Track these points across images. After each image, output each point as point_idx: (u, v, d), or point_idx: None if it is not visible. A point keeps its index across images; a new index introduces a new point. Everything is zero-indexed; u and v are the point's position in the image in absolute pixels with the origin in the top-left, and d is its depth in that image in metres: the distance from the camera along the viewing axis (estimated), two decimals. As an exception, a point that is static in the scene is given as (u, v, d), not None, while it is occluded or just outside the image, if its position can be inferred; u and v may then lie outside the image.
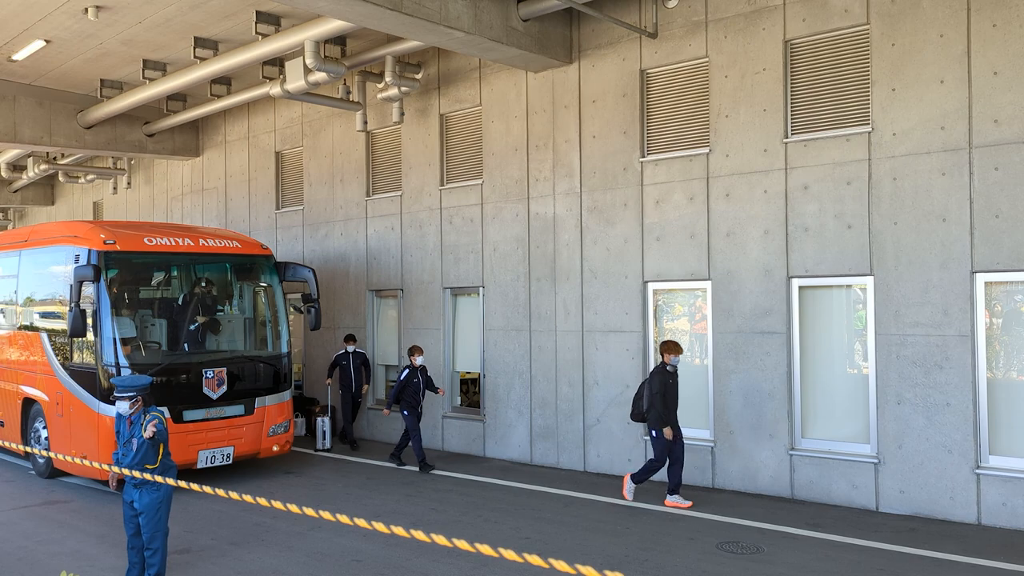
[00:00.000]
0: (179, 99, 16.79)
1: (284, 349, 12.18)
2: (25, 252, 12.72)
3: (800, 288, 9.91)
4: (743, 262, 10.23)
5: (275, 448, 11.77)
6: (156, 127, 17.73)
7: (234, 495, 4.26)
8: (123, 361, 10.49)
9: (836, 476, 9.53)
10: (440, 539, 3.31)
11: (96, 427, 10.44)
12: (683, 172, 10.76)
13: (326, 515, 3.85)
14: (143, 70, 14.29)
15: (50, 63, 14.47)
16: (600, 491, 10.43)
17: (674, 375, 9.71)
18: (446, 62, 13.55)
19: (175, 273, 12.28)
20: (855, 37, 9.54)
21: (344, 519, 3.80)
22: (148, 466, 6.90)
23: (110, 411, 9.82)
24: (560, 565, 2.95)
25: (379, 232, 14.71)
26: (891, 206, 9.17)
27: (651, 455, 10.01)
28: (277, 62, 13.73)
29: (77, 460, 7.80)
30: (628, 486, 9.89)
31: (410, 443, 12.12)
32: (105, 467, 7.18)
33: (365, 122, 14.63)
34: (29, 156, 20.71)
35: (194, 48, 13.06)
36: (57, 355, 11.37)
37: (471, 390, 13.73)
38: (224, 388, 11.17)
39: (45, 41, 13.29)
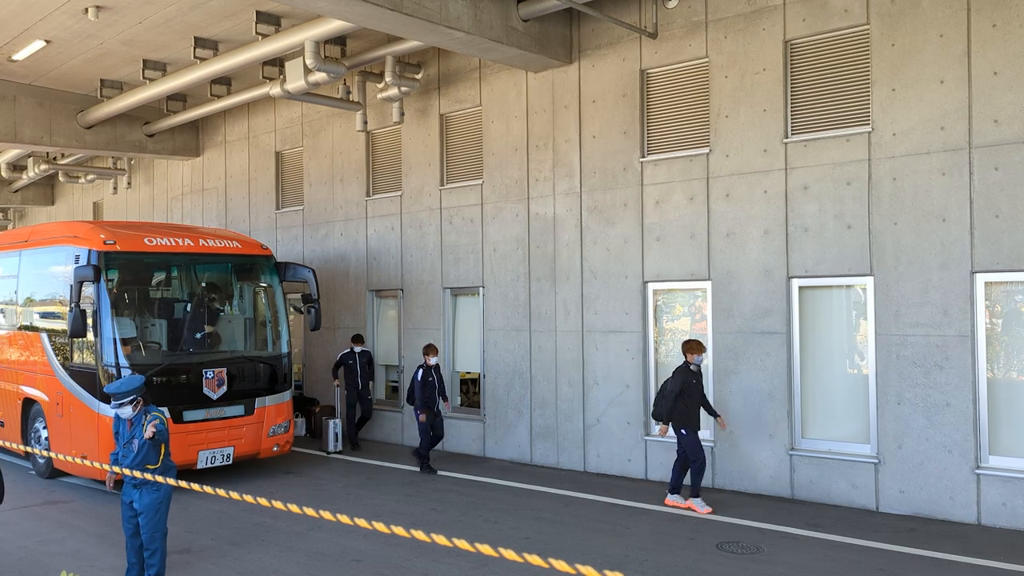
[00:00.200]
0: (179, 99, 16.79)
1: (284, 349, 12.18)
2: (25, 252, 12.72)
3: (800, 288, 9.91)
4: (743, 262, 10.23)
5: (275, 448, 11.77)
6: (156, 127, 17.73)
7: (234, 495, 4.26)
8: (123, 361, 10.49)
9: (836, 476, 9.53)
10: (440, 539, 3.31)
11: (96, 427, 10.44)
12: (683, 172, 10.76)
13: (326, 515, 3.85)
14: (143, 70, 14.29)
15: (50, 63, 14.47)
16: (600, 491, 10.42)
17: (697, 375, 9.56)
18: (446, 62, 13.55)
19: (175, 273, 12.28)
20: (855, 37, 9.55)
21: (344, 519, 3.80)
22: (149, 466, 6.90)
23: (110, 411, 9.80)
24: (560, 565, 2.95)
25: (379, 232, 14.71)
26: (891, 206, 9.17)
27: (689, 458, 9.56)
28: (277, 62, 13.73)
29: (77, 460, 7.79)
30: (697, 504, 9.37)
31: (421, 444, 11.99)
32: (105, 467, 7.17)
33: (365, 122, 14.63)
34: (29, 156, 20.71)
35: (194, 48, 13.06)
36: (57, 355, 11.37)
37: (471, 390, 13.72)
38: (224, 388, 11.17)
39: (45, 41, 13.29)
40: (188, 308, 11.92)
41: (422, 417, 11.73)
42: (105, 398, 10.27)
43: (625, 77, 11.34)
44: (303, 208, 16.35)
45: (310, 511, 3.84)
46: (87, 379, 10.70)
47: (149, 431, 6.86)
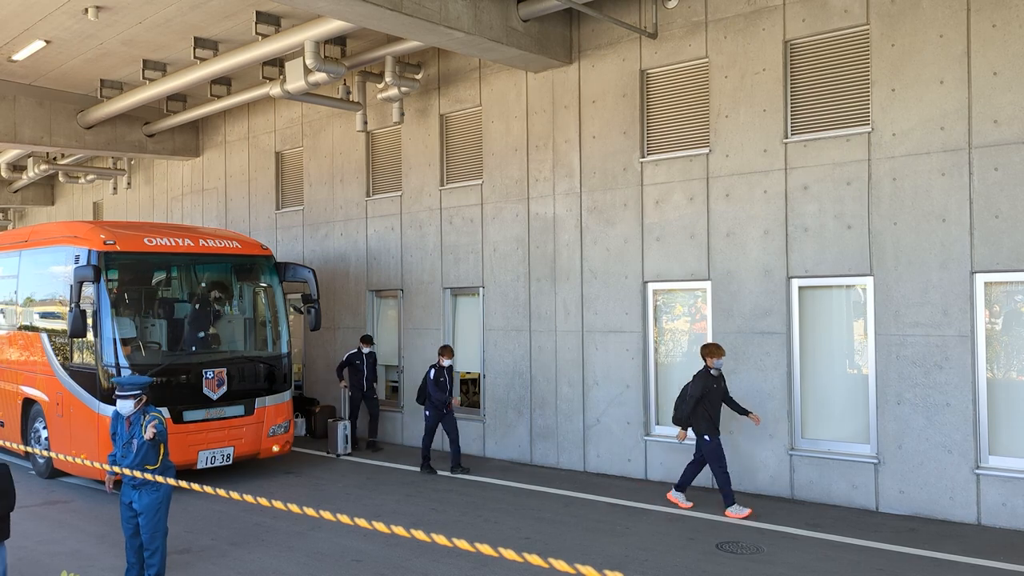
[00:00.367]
0: (179, 99, 16.80)
1: (284, 349, 12.18)
2: (25, 252, 12.72)
3: (800, 288, 9.91)
4: (743, 262, 10.23)
5: (275, 448, 11.77)
6: (156, 127, 17.74)
7: (234, 495, 4.26)
8: (123, 361, 10.49)
9: (836, 476, 9.54)
10: (440, 539, 3.31)
11: (96, 427, 10.44)
12: (683, 172, 10.76)
13: (326, 515, 3.85)
14: (143, 70, 14.29)
15: (50, 63, 14.47)
16: (600, 491, 10.43)
17: (718, 379, 9.38)
18: (446, 62, 13.56)
19: (175, 273, 12.28)
20: (855, 37, 9.55)
21: (344, 519, 3.80)
22: (148, 467, 6.89)
23: (110, 411, 9.80)
24: (560, 565, 2.95)
25: (379, 232, 14.71)
26: (891, 206, 9.18)
27: (712, 467, 9.37)
28: (277, 62, 13.73)
29: (77, 460, 7.79)
30: (732, 509, 9.13)
31: (431, 443, 11.92)
32: (105, 467, 7.17)
33: (365, 122, 14.63)
34: (29, 156, 20.71)
35: (194, 48, 13.06)
36: (57, 355, 11.37)
37: (471, 390, 13.72)
38: (224, 388, 11.17)
39: (45, 41, 13.29)
40: (188, 308, 11.92)
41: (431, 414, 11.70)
42: (105, 398, 10.29)
43: (625, 77, 11.35)
44: (303, 208, 16.35)
45: (310, 511, 3.84)
46: (87, 379, 10.70)
47: (149, 432, 6.85)
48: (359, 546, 8.24)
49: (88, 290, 10.51)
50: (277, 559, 8.00)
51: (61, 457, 8.79)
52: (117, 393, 7.05)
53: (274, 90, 13.35)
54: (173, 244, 11.47)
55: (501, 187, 12.78)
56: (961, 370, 8.73)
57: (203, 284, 12.41)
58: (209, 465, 10.95)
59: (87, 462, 7.71)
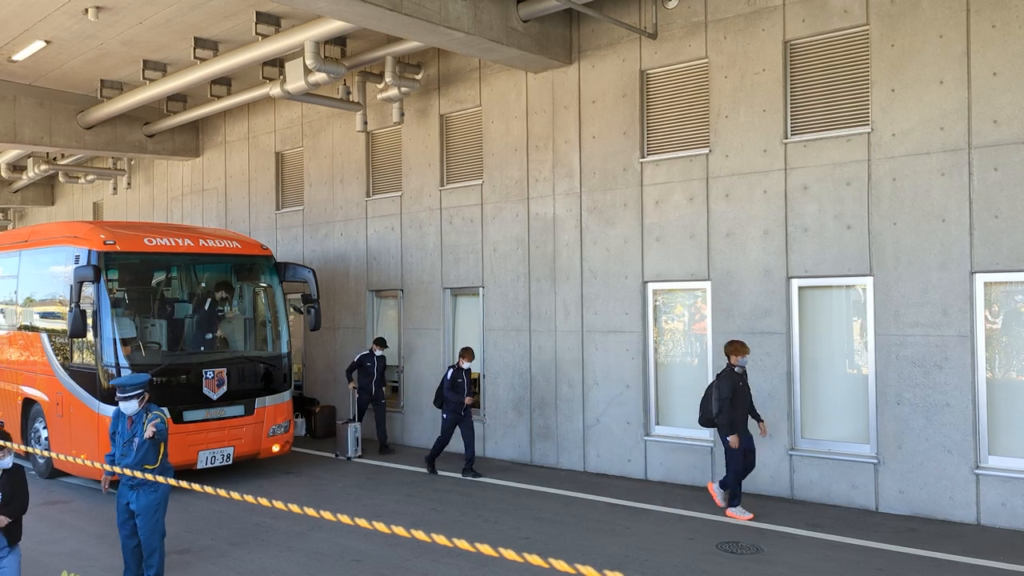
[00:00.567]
0: (179, 99, 16.80)
1: (284, 349, 12.18)
2: (25, 252, 12.72)
3: (800, 288, 9.91)
4: (743, 262, 10.23)
5: (275, 448, 11.77)
6: (156, 127, 17.74)
7: (234, 495, 4.26)
8: (123, 361, 10.49)
9: (836, 476, 9.54)
10: (440, 539, 3.31)
11: (96, 427, 10.44)
12: (683, 172, 10.76)
13: (326, 515, 3.85)
14: (143, 70, 14.29)
15: (50, 63, 14.47)
16: (600, 491, 10.43)
17: (743, 377, 9.11)
18: (446, 62, 13.56)
19: (175, 273, 12.28)
20: (855, 38, 9.55)
21: (344, 519, 3.80)
22: (147, 466, 6.88)
23: (110, 411, 9.81)
24: (560, 565, 2.95)
25: (379, 232, 14.72)
26: (891, 206, 9.18)
27: (729, 465, 9.13)
28: (277, 62, 13.73)
29: (77, 460, 7.78)
30: (737, 512, 9.05)
31: (447, 445, 11.70)
32: (106, 467, 7.16)
33: (365, 122, 14.63)
34: (29, 156, 20.71)
35: (194, 48, 13.06)
36: (57, 355, 11.38)
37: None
38: (224, 388, 11.17)
39: (45, 41, 13.29)
40: (188, 308, 11.93)
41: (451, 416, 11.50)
42: (105, 398, 10.29)
43: (625, 77, 11.35)
44: (303, 208, 16.36)
45: (310, 511, 3.84)
46: (87, 379, 10.71)
47: (149, 430, 6.85)
48: (359, 546, 8.24)
49: (88, 290, 10.51)
50: (277, 559, 8.00)
51: (61, 457, 8.78)
52: (119, 395, 7.04)
53: (274, 90, 13.35)
54: (173, 244, 11.47)
55: (501, 187, 12.78)
56: (961, 370, 8.73)
57: (203, 284, 12.41)
58: (209, 465, 10.96)
59: (87, 462, 7.70)
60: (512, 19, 10.85)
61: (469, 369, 11.65)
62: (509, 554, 3.13)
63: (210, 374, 11.09)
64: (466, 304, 13.51)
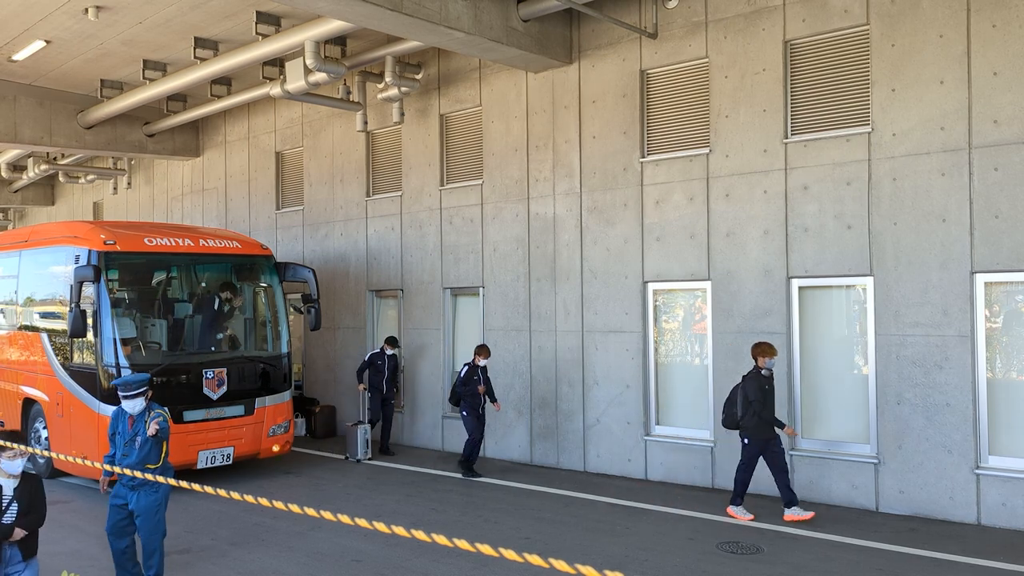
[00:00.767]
0: (179, 99, 16.80)
1: (284, 349, 12.18)
2: (25, 252, 12.72)
3: (800, 288, 9.91)
4: (743, 262, 10.23)
5: (275, 448, 11.77)
6: (156, 127, 17.74)
7: (234, 495, 4.26)
8: (123, 361, 10.49)
9: (836, 476, 9.53)
10: (440, 539, 3.31)
11: (96, 427, 10.44)
12: (683, 172, 10.76)
13: (326, 515, 3.85)
14: (143, 70, 14.29)
15: (50, 63, 14.47)
16: (600, 491, 10.43)
17: (770, 379, 8.97)
18: (446, 62, 13.56)
19: (175, 273, 12.28)
20: (855, 37, 9.55)
21: (344, 519, 3.80)
22: (150, 465, 6.86)
23: (110, 411, 9.81)
24: (560, 565, 2.95)
25: (379, 232, 14.71)
26: (891, 206, 9.18)
27: (740, 467, 9.08)
28: (277, 62, 13.73)
29: (77, 460, 7.78)
30: (737, 512, 9.01)
31: (483, 448, 11.53)
32: (105, 466, 7.16)
33: (365, 122, 14.63)
34: (29, 156, 20.72)
35: (194, 48, 13.06)
36: (57, 355, 11.38)
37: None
38: (224, 388, 11.17)
39: (45, 41, 13.29)
40: (188, 308, 11.92)
41: (467, 416, 11.37)
42: (105, 398, 10.29)
43: (625, 77, 11.35)
44: (303, 208, 16.35)
45: (310, 511, 3.84)
46: (87, 379, 10.71)
47: (153, 428, 6.84)
48: (359, 546, 8.24)
49: (88, 290, 10.50)
50: (277, 559, 8.00)
51: (61, 457, 8.79)
52: (122, 393, 7.00)
53: (274, 90, 13.35)
54: (173, 244, 11.47)
55: (501, 187, 12.78)
56: (961, 370, 8.73)
57: (203, 284, 12.41)
58: (209, 465, 10.95)
59: (87, 462, 7.70)
60: (512, 19, 10.85)
61: (485, 367, 11.51)
62: (509, 554, 3.13)
63: (210, 374, 11.09)
64: (466, 304, 13.51)
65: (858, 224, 9.38)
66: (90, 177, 21.90)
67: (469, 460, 11.53)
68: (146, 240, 11.27)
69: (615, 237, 11.38)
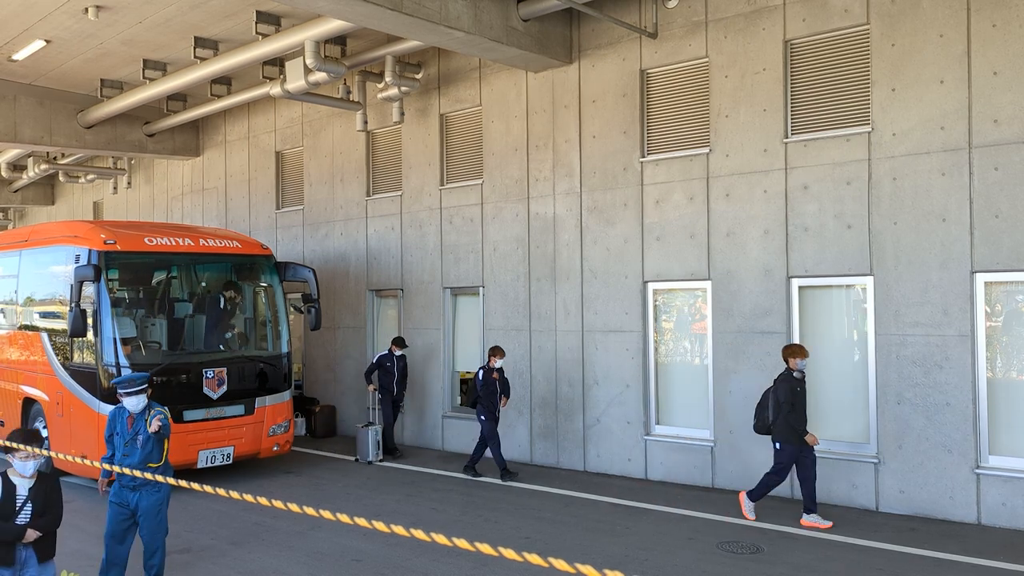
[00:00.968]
0: (179, 99, 16.80)
1: (284, 349, 12.18)
2: (25, 252, 12.72)
3: (800, 288, 9.91)
4: (743, 262, 10.23)
5: (275, 448, 11.77)
6: (156, 127, 17.74)
7: (234, 495, 4.26)
8: (123, 361, 10.49)
9: (836, 476, 9.53)
10: (440, 538, 3.31)
11: (96, 427, 10.43)
12: (683, 172, 10.76)
13: (326, 515, 3.85)
14: (143, 70, 14.29)
15: (50, 63, 14.47)
16: (600, 491, 10.43)
17: (802, 382, 8.76)
18: (446, 62, 13.56)
19: (175, 273, 12.28)
20: (855, 37, 9.55)
21: (344, 519, 3.79)
22: (152, 464, 6.85)
23: (110, 411, 9.81)
24: (560, 565, 2.95)
25: (379, 232, 14.71)
26: (891, 206, 9.18)
27: (773, 470, 8.86)
28: (277, 62, 13.73)
29: (77, 460, 7.78)
30: (746, 504, 8.96)
31: (487, 451, 11.32)
32: (104, 466, 7.15)
33: (365, 122, 14.63)
34: (29, 156, 20.72)
35: (194, 48, 13.06)
36: (57, 355, 11.38)
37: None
38: (224, 388, 11.17)
39: (45, 41, 13.29)
40: (188, 308, 11.93)
41: (487, 421, 11.17)
42: (105, 398, 10.29)
43: (625, 77, 11.34)
44: (303, 208, 16.35)
45: (310, 511, 3.84)
46: (87, 379, 10.71)
47: (155, 425, 6.81)
48: (359, 546, 8.24)
49: (88, 290, 10.50)
50: (277, 559, 8.00)
51: (61, 457, 8.78)
52: (122, 391, 6.97)
53: (274, 90, 13.35)
54: (173, 244, 11.47)
55: (501, 187, 12.78)
56: (961, 370, 8.73)
57: (203, 284, 12.41)
58: (209, 464, 10.96)
59: (87, 462, 7.70)
60: (512, 18, 10.85)
61: (501, 368, 11.36)
62: (509, 553, 3.13)
63: (210, 374, 11.09)
64: (466, 304, 13.51)
65: (858, 224, 9.38)
66: (90, 177, 21.90)
67: (501, 464, 11.22)
68: (146, 240, 11.27)
69: (615, 237, 11.38)
